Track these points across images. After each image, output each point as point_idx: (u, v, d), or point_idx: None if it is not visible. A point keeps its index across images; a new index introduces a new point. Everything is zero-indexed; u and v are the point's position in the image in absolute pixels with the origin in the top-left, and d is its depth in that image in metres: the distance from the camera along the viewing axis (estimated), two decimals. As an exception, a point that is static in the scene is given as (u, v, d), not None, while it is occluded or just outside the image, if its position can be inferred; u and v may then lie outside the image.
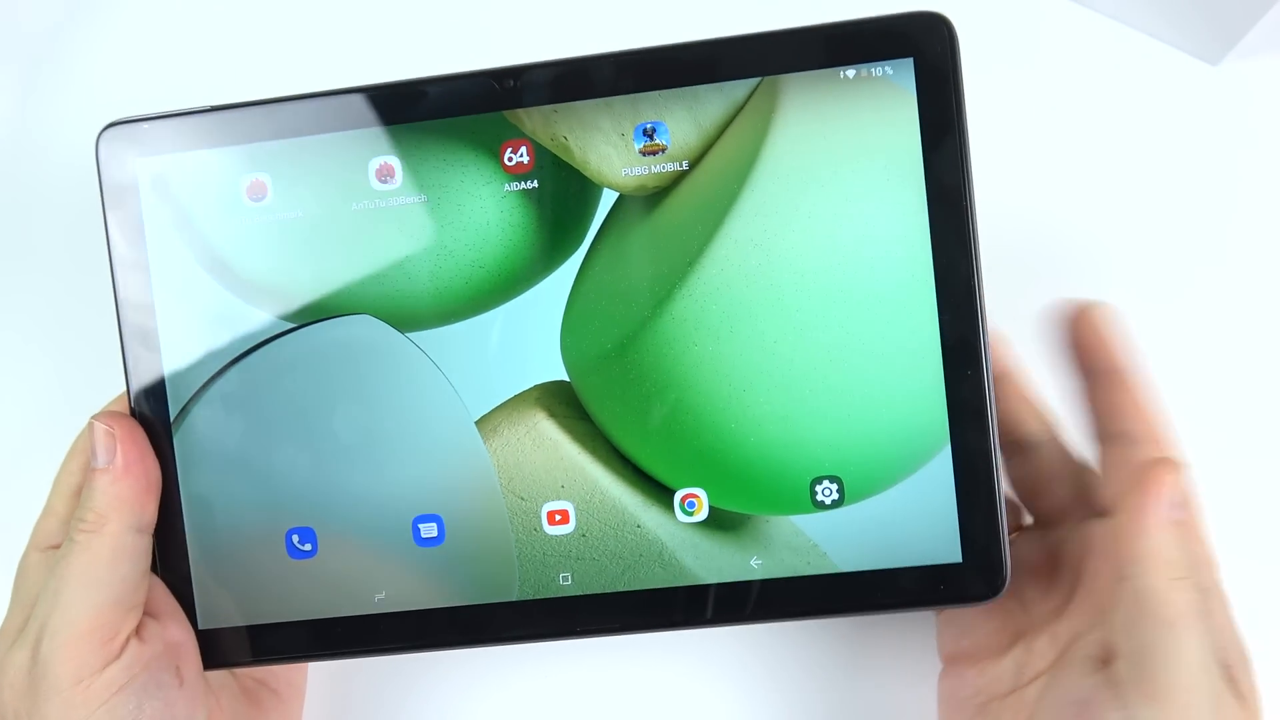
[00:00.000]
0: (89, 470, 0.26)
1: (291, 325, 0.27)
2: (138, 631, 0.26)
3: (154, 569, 0.28)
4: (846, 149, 0.26)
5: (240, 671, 0.30)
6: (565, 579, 0.27)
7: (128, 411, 0.28)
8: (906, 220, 0.26)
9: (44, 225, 0.37)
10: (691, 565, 0.27)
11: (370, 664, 0.34)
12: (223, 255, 0.27)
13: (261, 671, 0.31)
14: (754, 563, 0.27)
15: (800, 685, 0.33)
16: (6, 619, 0.27)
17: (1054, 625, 0.26)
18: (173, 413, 0.28)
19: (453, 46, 0.35)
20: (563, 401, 0.27)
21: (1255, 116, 0.35)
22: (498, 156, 0.27)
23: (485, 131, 0.27)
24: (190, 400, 0.28)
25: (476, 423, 0.27)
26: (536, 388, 0.27)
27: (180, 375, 0.28)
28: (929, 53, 0.26)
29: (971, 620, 0.28)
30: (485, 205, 0.27)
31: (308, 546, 0.28)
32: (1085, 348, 0.27)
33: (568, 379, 0.27)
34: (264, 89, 0.28)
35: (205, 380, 0.28)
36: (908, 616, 0.33)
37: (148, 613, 0.27)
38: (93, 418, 0.27)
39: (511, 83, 0.27)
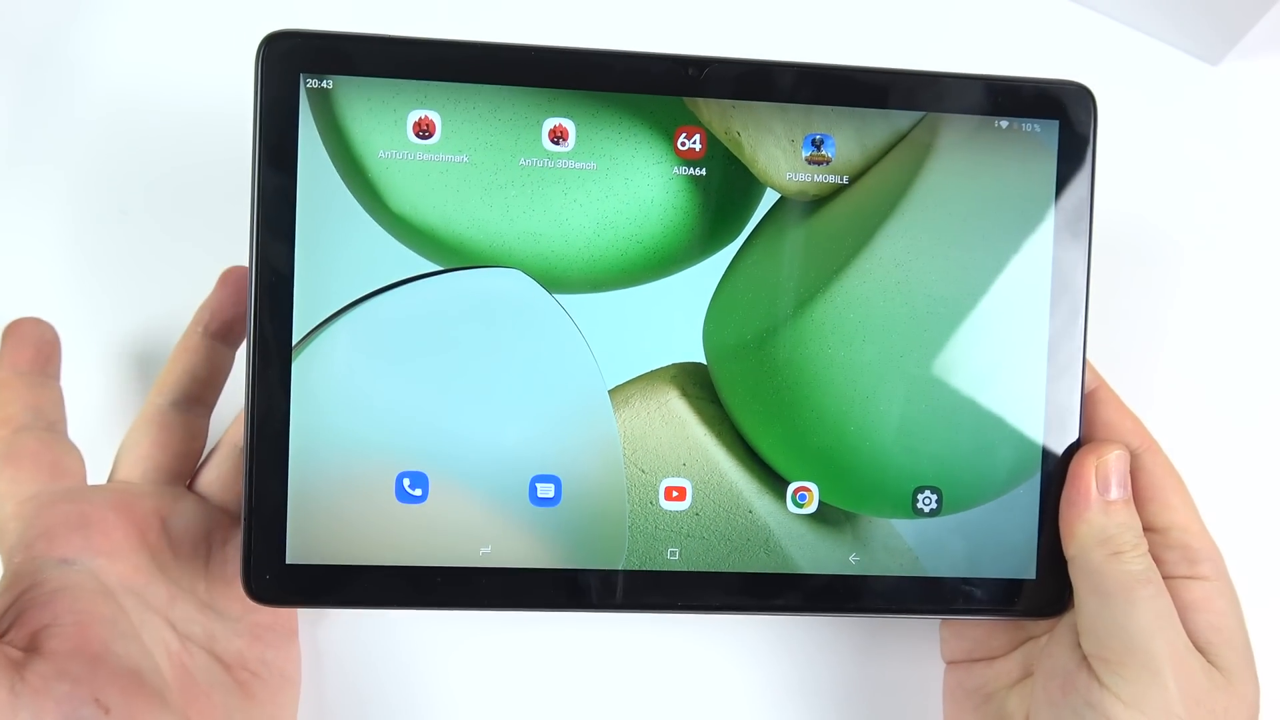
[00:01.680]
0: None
1: (437, 269, 0.27)
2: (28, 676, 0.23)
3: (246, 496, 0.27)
4: (991, 191, 0.28)
5: (235, 661, 0.29)
6: (673, 554, 0.28)
7: (246, 291, 0.27)
8: (1033, 265, 0.28)
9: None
10: (795, 555, 0.28)
11: (368, 654, 0.33)
12: (378, 187, 0.27)
13: (255, 663, 0.29)
14: (852, 559, 0.29)
15: (810, 663, 0.34)
16: None
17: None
18: (297, 336, 0.27)
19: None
20: (696, 383, 0.28)
21: (1255, 116, 0.35)
22: (671, 139, 0.28)
23: (663, 113, 0.28)
24: (317, 328, 0.27)
25: (610, 391, 0.28)
26: (673, 366, 0.28)
27: (310, 300, 0.27)
28: (1074, 119, 0.28)
29: (977, 629, 0.30)
30: (653, 183, 0.28)
31: (418, 491, 0.27)
32: None
33: (704, 362, 0.28)
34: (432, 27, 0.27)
35: (336, 310, 0.27)
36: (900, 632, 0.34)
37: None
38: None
39: (698, 71, 0.28)
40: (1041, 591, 0.29)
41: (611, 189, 0.28)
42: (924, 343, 0.28)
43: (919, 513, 0.29)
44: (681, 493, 0.28)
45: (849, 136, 0.28)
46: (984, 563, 0.29)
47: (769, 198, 0.28)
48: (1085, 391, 0.29)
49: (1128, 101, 0.35)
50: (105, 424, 0.33)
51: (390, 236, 0.27)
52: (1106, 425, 0.28)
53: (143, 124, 0.34)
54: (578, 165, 0.28)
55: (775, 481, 0.28)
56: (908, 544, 0.29)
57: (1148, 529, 0.27)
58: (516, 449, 0.28)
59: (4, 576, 0.26)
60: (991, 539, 0.29)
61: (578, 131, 0.27)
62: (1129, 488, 0.27)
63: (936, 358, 0.28)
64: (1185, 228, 0.35)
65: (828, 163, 0.28)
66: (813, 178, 0.28)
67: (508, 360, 0.28)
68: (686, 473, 0.28)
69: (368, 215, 0.27)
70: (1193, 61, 0.35)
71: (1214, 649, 0.26)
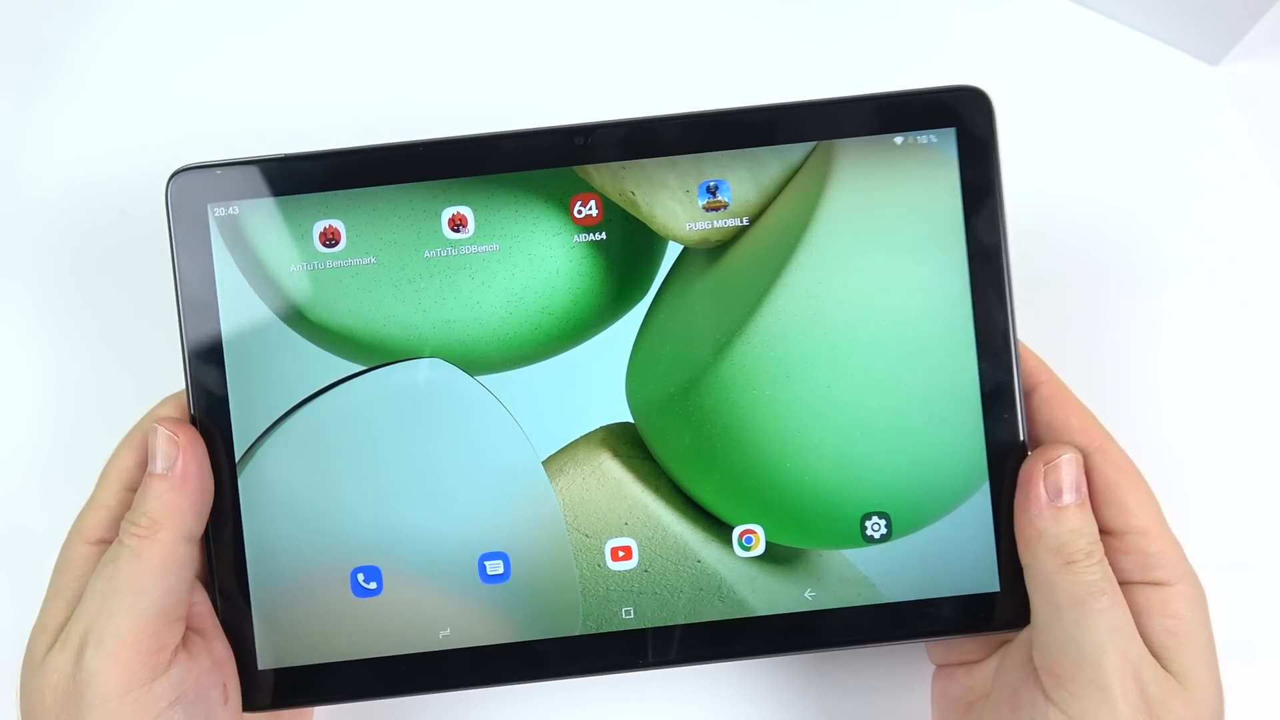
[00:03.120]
0: (147, 474, 0.26)
1: (361, 368, 0.28)
2: (185, 645, 0.26)
3: (216, 611, 0.28)
4: (894, 209, 0.28)
5: None
6: (628, 613, 0.28)
7: (187, 418, 0.28)
8: (949, 275, 0.28)
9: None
10: (749, 598, 0.28)
11: None
12: (295, 300, 0.28)
13: None
14: (808, 595, 0.28)
15: (789, 699, 0.34)
16: (45, 610, 0.26)
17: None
18: (239, 453, 0.28)
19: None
20: (627, 442, 0.29)
21: (1255, 116, 0.35)
22: (568, 209, 0.28)
23: (556, 184, 0.28)
24: (257, 441, 0.28)
25: (543, 463, 0.28)
26: (602, 429, 0.28)
27: (247, 416, 0.28)
28: (970, 123, 0.28)
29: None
30: (555, 255, 0.28)
31: (373, 585, 0.28)
32: None
33: (632, 420, 0.28)
34: (316, 137, 0.29)
35: (272, 422, 0.28)
36: None
37: (192, 628, 0.27)
38: (156, 420, 0.27)
39: (584, 139, 0.28)
40: (1008, 602, 0.28)
41: (516, 266, 0.28)
42: (849, 370, 0.28)
43: (870, 540, 0.28)
44: (628, 552, 0.29)
45: (743, 178, 0.28)
46: (944, 581, 0.28)
47: (672, 250, 0.28)
48: (1029, 390, 0.28)
49: (1128, 101, 0.35)
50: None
51: (313, 344, 0.28)
52: (1053, 425, 0.28)
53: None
54: (481, 249, 0.28)
55: (719, 528, 0.29)
56: (863, 573, 0.28)
57: (1104, 532, 0.26)
58: (462, 531, 0.28)
59: None
60: (949, 556, 0.28)
61: (476, 216, 0.28)
62: (1083, 491, 0.26)
63: (864, 382, 0.28)
64: (1185, 227, 0.35)
65: (725, 207, 0.28)
66: (713, 224, 0.28)
67: (441, 446, 0.28)
68: (630, 531, 0.29)
69: (289, 328, 0.28)
70: (1193, 61, 0.35)
71: (1169, 654, 0.25)
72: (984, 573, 0.28)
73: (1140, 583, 0.26)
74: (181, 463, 0.26)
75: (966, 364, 0.28)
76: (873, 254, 0.28)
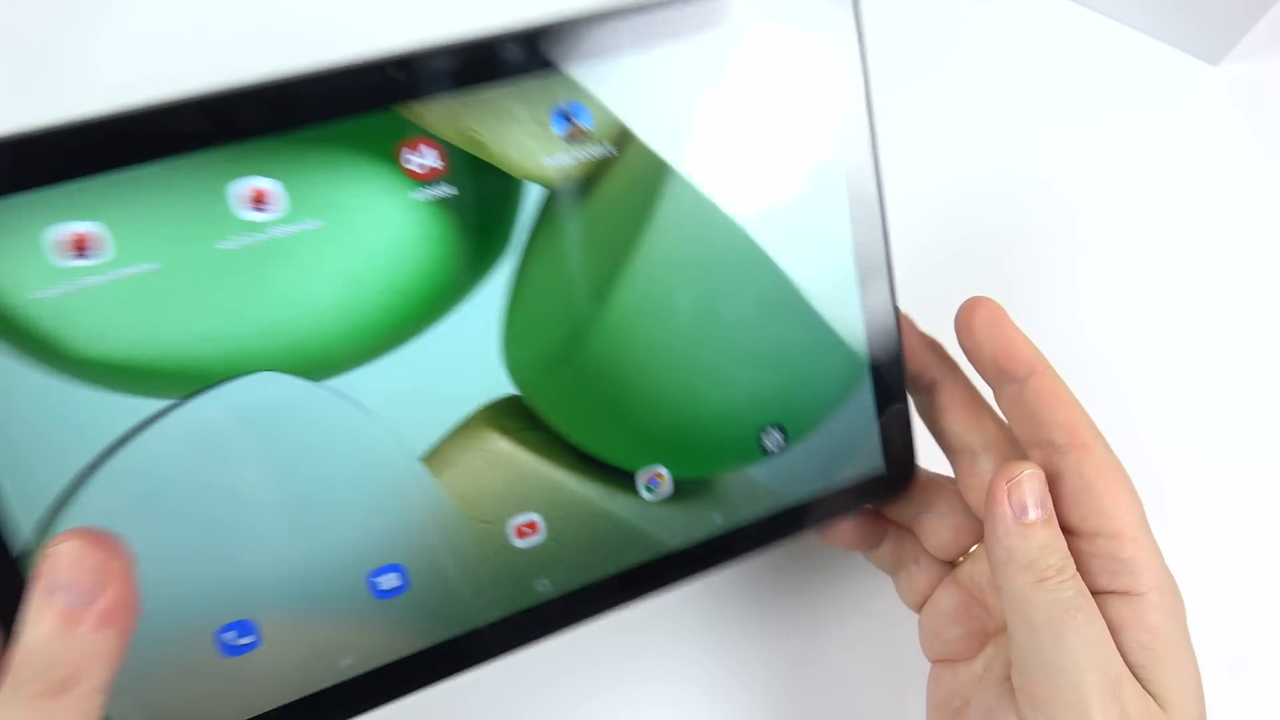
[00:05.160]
0: (57, 611, 0.19)
1: (170, 401, 0.22)
2: None
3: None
4: (768, 106, 0.25)
5: None
6: (543, 585, 0.27)
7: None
8: (825, 179, 0.26)
9: None
10: (663, 537, 0.28)
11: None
12: (49, 335, 0.21)
13: None
14: (716, 518, 0.28)
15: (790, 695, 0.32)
16: None
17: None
18: (16, 545, 0.22)
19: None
20: (514, 415, 0.25)
21: (1255, 116, 0.35)
22: (395, 161, 0.23)
23: (379, 133, 0.22)
24: (50, 518, 0.22)
25: (422, 460, 0.25)
26: (484, 408, 0.25)
27: (26, 498, 0.21)
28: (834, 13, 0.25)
29: (943, 623, 0.29)
30: (392, 221, 0.23)
31: (248, 639, 0.24)
32: (997, 357, 0.26)
33: (517, 392, 0.25)
34: (66, 106, 0.20)
35: (61, 493, 0.22)
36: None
37: None
38: (68, 534, 0.19)
39: (403, 72, 0.22)
40: (891, 477, 0.30)
41: (347, 243, 0.23)
42: (730, 288, 0.26)
43: (769, 453, 0.28)
44: (533, 526, 0.26)
45: (602, 100, 0.24)
46: (837, 473, 0.29)
47: (534, 194, 0.24)
48: (1022, 379, 0.26)
49: (1128, 101, 0.34)
50: None
51: (92, 387, 0.21)
52: (1037, 419, 0.26)
53: None
54: (296, 228, 0.22)
55: (623, 479, 0.27)
56: (765, 485, 0.28)
57: (1074, 535, 0.25)
58: (342, 555, 0.24)
59: None
60: (839, 449, 0.29)
61: (286, 188, 0.22)
62: (1048, 506, 0.24)
63: (746, 297, 0.27)
64: (1185, 227, 0.34)
65: (587, 135, 0.24)
66: (575, 158, 0.24)
67: (297, 471, 0.24)
68: (531, 506, 0.26)
69: (50, 374, 0.21)
70: (1193, 61, 0.35)
71: (1147, 672, 0.24)
72: (871, 456, 0.29)
73: (1112, 592, 0.24)
74: (114, 591, 0.19)
75: (843, 258, 0.27)
76: (749, 159, 0.26)
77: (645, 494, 0.27)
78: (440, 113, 0.23)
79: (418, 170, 0.23)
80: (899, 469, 0.30)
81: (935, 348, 0.29)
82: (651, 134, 0.25)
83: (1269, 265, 0.35)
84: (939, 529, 0.29)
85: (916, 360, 0.29)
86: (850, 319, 0.28)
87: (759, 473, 0.28)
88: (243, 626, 0.24)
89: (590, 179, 0.24)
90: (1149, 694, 0.24)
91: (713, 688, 0.31)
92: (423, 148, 0.23)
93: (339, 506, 0.24)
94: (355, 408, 0.24)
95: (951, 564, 0.30)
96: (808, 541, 0.33)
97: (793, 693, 0.31)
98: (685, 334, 0.26)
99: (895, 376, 0.29)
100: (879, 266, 0.28)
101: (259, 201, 0.22)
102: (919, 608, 0.30)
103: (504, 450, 0.25)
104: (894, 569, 0.31)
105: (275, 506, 0.23)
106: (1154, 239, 0.35)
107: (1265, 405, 0.34)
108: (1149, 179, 0.35)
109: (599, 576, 0.27)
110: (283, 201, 0.22)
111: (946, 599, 0.29)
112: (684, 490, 0.28)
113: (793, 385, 0.28)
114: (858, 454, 0.29)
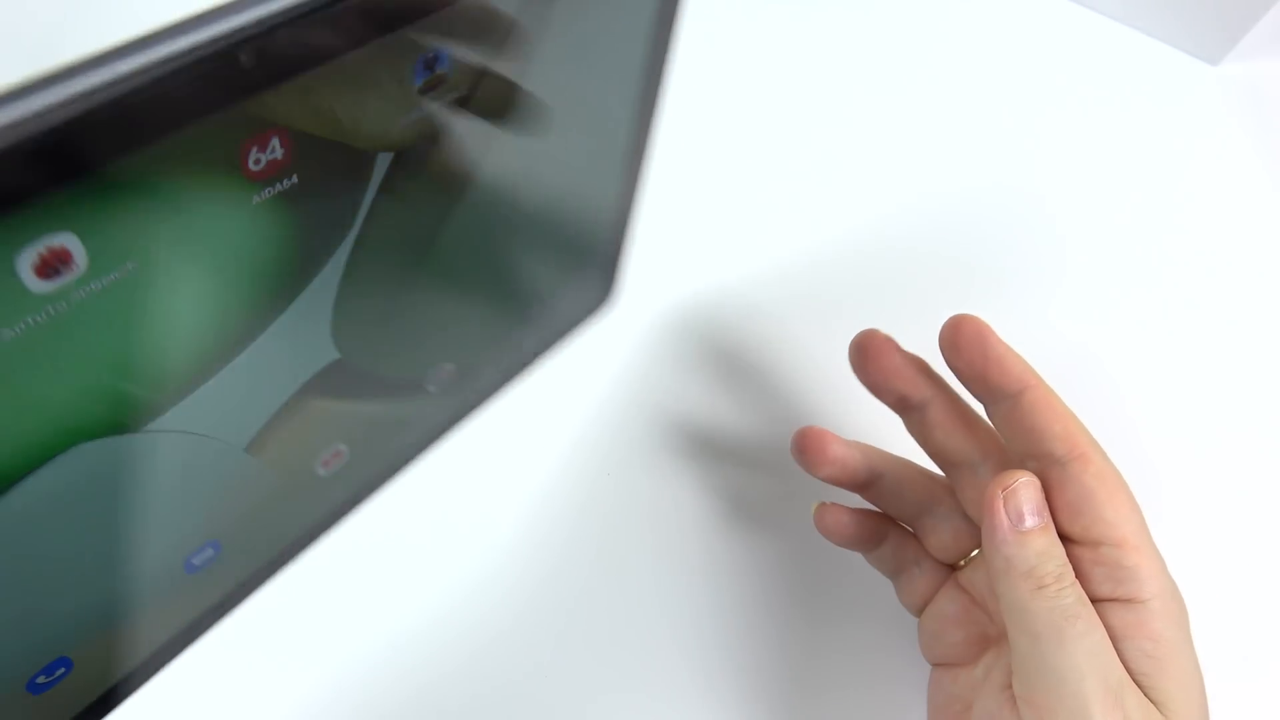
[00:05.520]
0: None
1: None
2: None
3: None
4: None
5: None
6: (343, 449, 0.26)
7: None
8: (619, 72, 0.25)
9: None
10: (442, 417, 0.28)
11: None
12: None
13: None
14: (479, 383, 0.29)
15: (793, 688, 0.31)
16: None
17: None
18: None
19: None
20: (334, 375, 0.23)
21: (1255, 116, 0.33)
22: (240, 164, 0.16)
23: (219, 136, 0.16)
24: None
25: (247, 450, 0.21)
26: (308, 381, 0.22)
27: None
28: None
29: (944, 627, 0.28)
30: (232, 234, 0.17)
31: (59, 671, 0.21)
32: (987, 375, 0.26)
33: (338, 355, 0.22)
34: None
35: None
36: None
37: None
38: None
39: (253, 56, 0.15)
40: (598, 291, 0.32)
41: (173, 278, 0.17)
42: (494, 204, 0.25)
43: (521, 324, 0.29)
44: (338, 455, 0.25)
45: (463, 40, 0.19)
46: (561, 311, 0.31)
47: (380, 165, 0.19)
48: (1014, 394, 0.26)
49: (1128, 101, 0.33)
50: None
51: None
52: (1034, 432, 0.25)
53: None
54: (105, 281, 0.16)
55: (415, 385, 0.26)
56: (516, 344, 0.30)
57: (1077, 544, 0.24)
58: (161, 559, 0.21)
59: None
60: (563, 294, 0.31)
61: (84, 242, 0.15)
62: (1045, 514, 0.24)
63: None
64: (1184, 227, 0.33)
65: (444, 81, 0.19)
66: (430, 110, 0.19)
67: (120, 518, 0.19)
68: (339, 439, 0.25)
69: None
70: (1193, 61, 0.34)
71: (1150, 680, 0.23)
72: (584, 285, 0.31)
73: (1114, 599, 0.24)
74: None
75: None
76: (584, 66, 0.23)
77: (431, 389, 0.27)
78: (292, 98, 0.16)
79: (260, 170, 0.17)
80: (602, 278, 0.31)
81: (922, 367, 0.28)
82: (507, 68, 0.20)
83: (1268, 265, 0.35)
84: (940, 530, 0.29)
85: (905, 382, 0.28)
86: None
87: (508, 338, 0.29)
88: (51, 667, 0.21)
89: (435, 132, 0.20)
90: (1152, 701, 0.23)
91: (712, 688, 0.30)
92: (270, 141, 0.17)
93: (163, 527, 0.20)
94: (180, 437, 0.19)
95: (953, 567, 0.29)
96: (808, 542, 0.32)
97: (793, 693, 0.31)
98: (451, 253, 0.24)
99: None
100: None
101: (55, 266, 0.15)
102: (919, 611, 0.29)
103: (320, 407, 0.23)
104: (895, 572, 0.30)
105: (100, 556, 0.19)
106: (1153, 239, 0.35)
107: (1264, 406, 0.34)
108: (1148, 179, 0.35)
109: (396, 465, 0.27)
110: (82, 259, 0.15)
111: (948, 603, 0.28)
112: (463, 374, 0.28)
113: (527, 273, 0.28)
114: (575, 288, 0.31)
